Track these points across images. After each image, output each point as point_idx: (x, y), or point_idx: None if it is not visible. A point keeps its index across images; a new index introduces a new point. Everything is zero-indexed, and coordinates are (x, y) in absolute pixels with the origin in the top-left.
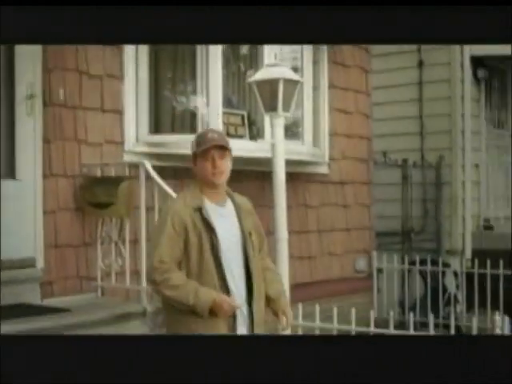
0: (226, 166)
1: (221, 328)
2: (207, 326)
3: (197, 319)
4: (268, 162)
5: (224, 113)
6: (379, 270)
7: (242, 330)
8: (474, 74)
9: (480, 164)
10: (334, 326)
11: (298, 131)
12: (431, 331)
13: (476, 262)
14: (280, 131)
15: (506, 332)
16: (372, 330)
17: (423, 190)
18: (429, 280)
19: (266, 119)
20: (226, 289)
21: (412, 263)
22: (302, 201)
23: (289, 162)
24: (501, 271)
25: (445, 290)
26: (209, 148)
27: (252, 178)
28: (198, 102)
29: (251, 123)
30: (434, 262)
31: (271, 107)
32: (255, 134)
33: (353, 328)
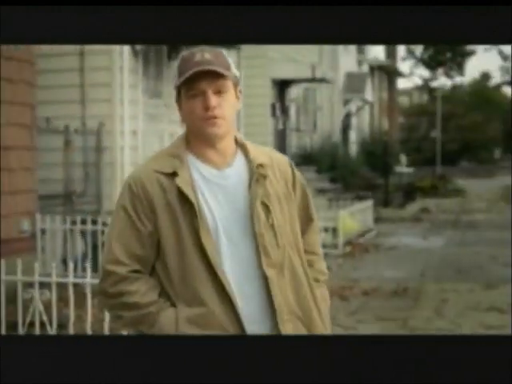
0: (226, 106)
1: None
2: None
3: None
4: None
5: None
6: (43, 231)
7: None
8: (132, 47)
9: (137, 131)
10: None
11: None
12: (88, 282)
13: None
14: None
15: None
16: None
17: (84, 155)
18: (89, 238)
19: None
20: (227, 301)
21: (73, 223)
22: None
23: None
24: None
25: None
26: (194, 76)
27: None
28: None
29: None
30: (95, 222)
31: None
32: None
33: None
